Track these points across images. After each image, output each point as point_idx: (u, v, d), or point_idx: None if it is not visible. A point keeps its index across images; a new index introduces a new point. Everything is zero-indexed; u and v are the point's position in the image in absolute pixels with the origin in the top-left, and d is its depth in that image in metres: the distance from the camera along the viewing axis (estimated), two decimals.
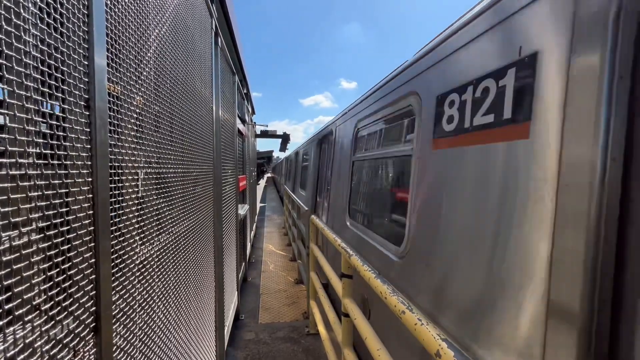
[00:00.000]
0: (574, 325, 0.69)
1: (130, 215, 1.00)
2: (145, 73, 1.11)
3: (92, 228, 0.76)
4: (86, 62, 0.75)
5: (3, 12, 0.52)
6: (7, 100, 0.52)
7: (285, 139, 12.12)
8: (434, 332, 0.98)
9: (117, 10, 0.91)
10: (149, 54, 1.16)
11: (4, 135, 0.51)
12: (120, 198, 0.93)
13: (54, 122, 0.64)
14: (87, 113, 0.76)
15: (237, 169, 4.00)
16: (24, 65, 0.56)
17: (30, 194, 0.56)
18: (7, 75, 0.52)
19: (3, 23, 0.52)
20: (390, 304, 1.25)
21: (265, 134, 10.63)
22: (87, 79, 0.76)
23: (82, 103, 0.74)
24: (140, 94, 1.07)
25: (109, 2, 0.85)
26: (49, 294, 0.61)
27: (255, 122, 9.00)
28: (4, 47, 0.52)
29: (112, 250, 0.85)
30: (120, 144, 0.93)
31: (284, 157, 14.67)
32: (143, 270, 1.08)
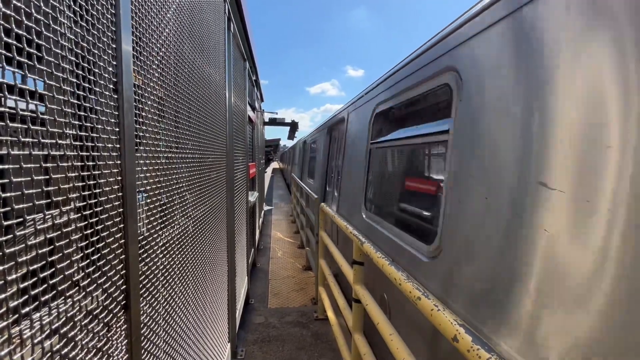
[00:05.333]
0: None
1: (154, 199, 1.02)
2: (166, 58, 1.12)
3: (121, 210, 0.78)
4: (114, 46, 0.76)
5: (34, 1, 0.52)
6: (47, 81, 0.53)
7: (293, 127, 12.09)
8: (451, 318, 0.99)
9: None
10: (168, 40, 1.16)
11: (45, 117, 0.52)
12: (145, 181, 0.95)
13: (88, 105, 0.65)
14: (116, 96, 0.76)
15: (247, 156, 4.02)
16: (60, 47, 0.57)
17: (69, 175, 0.58)
18: (46, 57, 0.53)
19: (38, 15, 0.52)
20: (405, 290, 1.26)
21: (273, 122, 10.61)
22: (115, 62, 0.76)
23: (111, 86, 0.75)
24: (161, 78, 1.08)
25: None
26: (87, 271, 0.63)
27: (263, 110, 8.97)
28: (43, 29, 0.52)
29: (138, 232, 0.87)
30: (144, 127, 0.94)
31: (290, 147, 14.81)
32: (166, 252, 1.11)
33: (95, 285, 0.66)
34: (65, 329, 0.56)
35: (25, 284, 0.47)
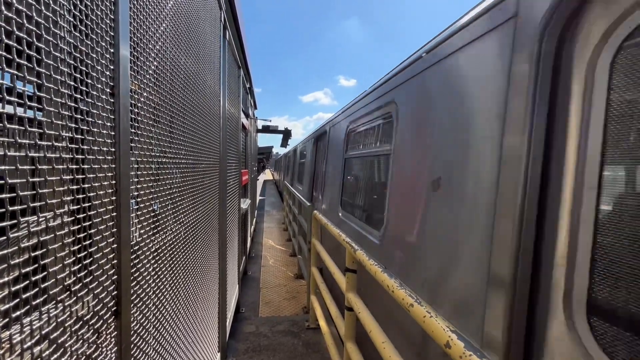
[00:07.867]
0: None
1: (147, 204, 1.02)
2: (162, 64, 1.12)
3: (115, 214, 0.77)
4: (112, 50, 0.76)
5: (34, 4, 0.53)
6: (45, 84, 0.53)
7: (286, 134, 12.12)
8: (443, 324, 1.00)
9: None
10: (165, 46, 1.17)
11: (42, 119, 0.52)
12: (139, 186, 0.94)
13: (85, 108, 0.65)
14: (112, 100, 0.77)
15: (240, 162, 4.01)
16: (60, 50, 0.57)
17: (63, 177, 0.57)
18: (45, 60, 0.53)
19: (36, 18, 0.53)
20: (398, 297, 1.27)
21: (267, 129, 10.62)
22: (112, 67, 0.77)
23: (108, 90, 0.75)
24: (157, 83, 1.08)
25: None
26: (78, 275, 0.62)
27: (257, 117, 8.99)
28: (43, 33, 0.53)
29: (131, 237, 0.86)
30: (139, 132, 0.94)
31: (283, 154, 14.94)
32: (157, 258, 1.10)
33: (86, 290, 0.65)
34: (55, 334, 0.55)
35: (17, 287, 0.46)
